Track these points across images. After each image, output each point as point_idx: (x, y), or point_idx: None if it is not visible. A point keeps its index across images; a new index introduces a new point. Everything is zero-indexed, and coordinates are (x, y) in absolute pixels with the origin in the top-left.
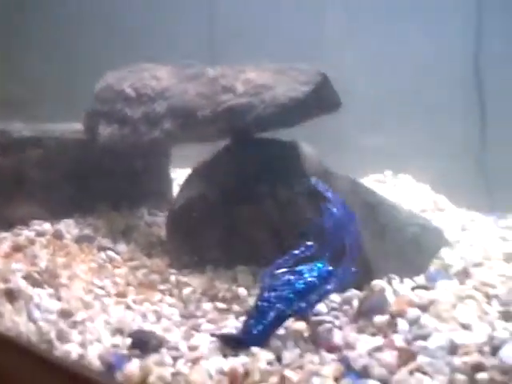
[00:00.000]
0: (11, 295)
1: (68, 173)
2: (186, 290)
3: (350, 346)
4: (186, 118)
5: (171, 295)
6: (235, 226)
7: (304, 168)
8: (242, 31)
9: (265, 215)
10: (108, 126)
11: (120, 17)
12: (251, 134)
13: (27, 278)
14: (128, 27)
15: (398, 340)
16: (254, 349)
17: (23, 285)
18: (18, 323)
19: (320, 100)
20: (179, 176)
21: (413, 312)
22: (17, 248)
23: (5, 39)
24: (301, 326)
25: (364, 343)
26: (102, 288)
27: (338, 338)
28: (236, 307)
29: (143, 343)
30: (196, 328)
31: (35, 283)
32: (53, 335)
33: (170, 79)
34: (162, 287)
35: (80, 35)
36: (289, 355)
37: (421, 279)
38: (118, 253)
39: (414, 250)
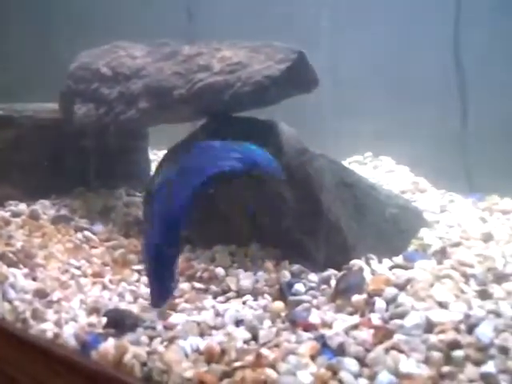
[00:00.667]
0: None
1: (43, 153)
2: None
3: (326, 324)
4: (161, 97)
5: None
6: (212, 205)
7: (281, 146)
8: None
9: (241, 195)
10: (83, 105)
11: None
12: (228, 113)
13: (2, 257)
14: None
15: (375, 318)
16: (230, 328)
17: None
18: None
19: (297, 78)
20: (159, 157)
21: (390, 291)
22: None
23: None
24: (279, 305)
25: (341, 322)
26: (78, 268)
27: (314, 316)
28: (213, 287)
29: (119, 322)
30: (173, 308)
31: (10, 263)
32: (28, 314)
33: (145, 58)
34: (139, 267)
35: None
36: (265, 334)
37: (399, 259)
38: (94, 233)
39: (393, 230)
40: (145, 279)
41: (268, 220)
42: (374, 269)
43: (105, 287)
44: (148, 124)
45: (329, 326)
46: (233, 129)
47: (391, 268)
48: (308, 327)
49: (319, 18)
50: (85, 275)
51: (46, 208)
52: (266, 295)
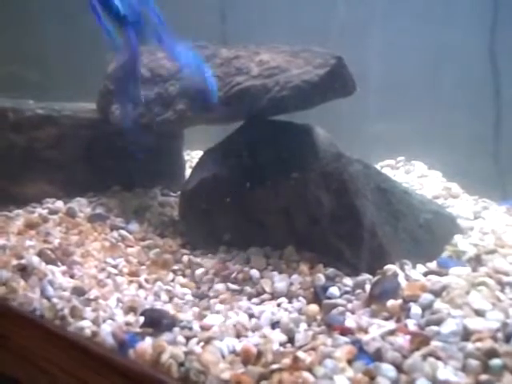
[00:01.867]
0: (24, 271)
1: (81, 152)
2: (199, 271)
3: (362, 329)
4: (198, 100)
5: (184, 275)
6: (248, 207)
7: (317, 151)
8: (253, 23)
9: (277, 197)
10: (121, 105)
11: None
12: (265, 116)
13: (40, 254)
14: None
15: (411, 324)
16: (266, 330)
17: (36, 261)
18: (32, 299)
19: (335, 83)
20: (192, 158)
21: (425, 297)
22: (30, 225)
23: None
24: (314, 308)
25: (377, 327)
26: (114, 267)
27: (350, 321)
28: (248, 289)
29: (156, 322)
30: (209, 308)
31: (48, 260)
32: (66, 312)
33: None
34: (174, 267)
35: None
36: (301, 337)
37: (433, 265)
38: (130, 232)
39: (427, 235)
40: (180, 279)
41: (304, 223)
42: (409, 274)
43: (141, 286)
44: (184, 125)
45: (364, 330)
46: (269, 132)
47: (426, 274)
48: (344, 331)
49: (355, 21)
50: (121, 274)
51: (82, 206)
52: (300, 298)
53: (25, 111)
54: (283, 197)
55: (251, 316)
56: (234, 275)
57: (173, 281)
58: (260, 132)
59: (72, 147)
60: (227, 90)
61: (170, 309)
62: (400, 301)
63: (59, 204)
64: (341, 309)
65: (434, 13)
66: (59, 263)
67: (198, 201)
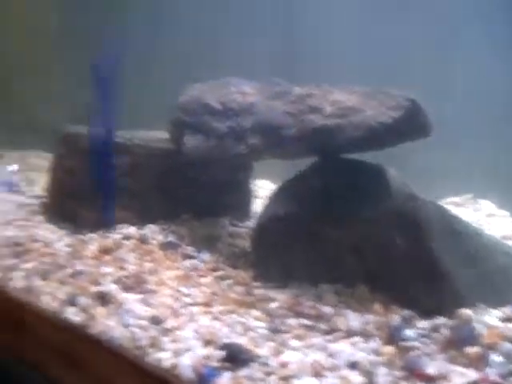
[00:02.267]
0: (103, 299)
1: (153, 180)
2: (272, 305)
3: (443, 376)
4: (271, 135)
5: (256, 308)
6: (319, 244)
7: (390, 190)
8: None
9: (349, 236)
10: (193, 136)
11: (198, 30)
12: (337, 155)
13: (117, 282)
14: (206, 39)
15: (493, 374)
16: (344, 371)
17: (114, 289)
18: (111, 327)
19: (409, 124)
20: (258, 187)
21: (506, 346)
22: (105, 250)
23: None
24: (390, 350)
25: (458, 375)
26: (188, 296)
27: (430, 367)
28: (321, 325)
29: (234, 357)
30: (285, 344)
31: (125, 288)
32: (145, 342)
33: (256, 95)
34: (247, 299)
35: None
36: (382, 381)
37: (509, 310)
38: (202, 261)
39: (503, 279)
40: (253, 311)
41: (376, 263)
42: (485, 320)
43: (215, 317)
44: (255, 159)
45: (444, 377)
46: (342, 170)
47: (503, 320)
48: (425, 378)
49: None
50: (195, 304)
51: (154, 233)
52: (375, 338)
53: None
54: (356, 235)
55: (328, 355)
56: (306, 311)
57: (246, 313)
58: (333, 170)
59: (145, 175)
60: (300, 127)
61: (245, 342)
62: (479, 348)
63: (132, 230)
64: (417, 352)
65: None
66: (135, 291)
67: (270, 235)
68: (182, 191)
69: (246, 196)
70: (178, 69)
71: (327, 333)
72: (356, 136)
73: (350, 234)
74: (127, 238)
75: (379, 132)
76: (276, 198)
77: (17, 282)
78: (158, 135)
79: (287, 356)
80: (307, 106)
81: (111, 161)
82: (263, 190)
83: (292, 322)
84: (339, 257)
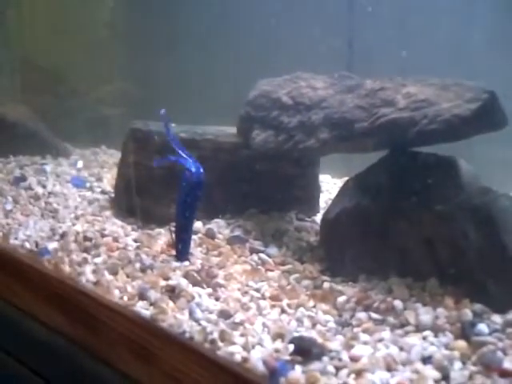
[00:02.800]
0: (173, 293)
1: (220, 174)
2: (341, 298)
3: None
4: (342, 129)
5: (325, 302)
6: (389, 237)
7: (462, 184)
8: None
9: (420, 229)
10: (262, 131)
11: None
12: (409, 148)
13: (187, 276)
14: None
15: None
16: (418, 365)
17: (184, 283)
18: (181, 321)
19: (486, 117)
20: (321, 182)
21: None
22: (171, 245)
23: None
24: (462, 345)
25: None
26: (257, 290)
27: (507, 362)
28: (391, 319)
29: (305, 350)
30: (356, 338)
31: (194, 282)
32: (216, 335)
33: (326, 90)
34: (315, 293)
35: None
36: (457, 376)
37: None
38: (269, 256)
39: None
40: (321, 305)
41: (448, 257)
42: None
43: (283, 311)
44: (325, 153)
45: None
46: (413, 163)
47: None
48: (504, 374)
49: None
50: (263, 298)
51: (220, 227)
52: (447, 333)
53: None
54: (427, 229)
55: (400, 349)
56: (376, 305)
57: (314, 307)
58: (404, 163)
59: (211, 170)
60: (372, 120)
61: (314, 335)
62: None
63: (198, 225)
64: (491, 347)
65: None
66: (204, 285)
67: (339, 229)
68: (249, 185)
69: (312, 190)
70: (246, 65)
71: (397, 327)
72: (431, 129)
73: (422, 227)
74: (194, 232)
75: (455, 125)
76: (345, 191)
77: (88, 276)
78: (228, 130)
79: (358, 350)
80: (380, 100)
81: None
82: (324, 184)
83: (361, 315)
84: (410, 250)
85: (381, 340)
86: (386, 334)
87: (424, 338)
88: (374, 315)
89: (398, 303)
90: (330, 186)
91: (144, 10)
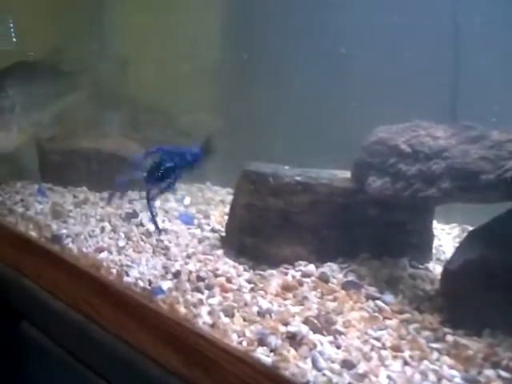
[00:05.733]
0: (293, 340)
1: (333, 218)
2: (466, 353)
3: None
4: (466, 180)
5: (449, 356)
6: None
7: None
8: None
9: None
10: (379, 178)
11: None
12: None
13: (307, 322)
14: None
15: None
16: None
17: (305, 330)
18: (305, 370)
19: None
20: (440, 231)
21: None
22: (286, 288)
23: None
24: None
25: None
26: (377, 339)
27: None
28: None
29: None
30: None
31: (314, 329)
32: None
33: (448, 139)
34: (437, 345)
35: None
36: None
37: None
38: (385, 303)
39: None
40: (445, 359)
41: None
42: None
43: (406, 363)
44: (445, 203)
45: None
46: None
47: None
48: None
49: None
50: (384, 347)
51: (333, 271)
52: None
53: (284, 177)
54: None
55: None
56: (504, 362)
57: (438, 360)
58: None
59: (326, 213)
60: (499, 173)
61: None
62: None
63: (311, 268)
64: None
65: None
66: (324, 332)
67: (462, 280)
68: (361, 230)
69: (426, 237)
70: (350, 108)
71: None
72: None
73: None
74: (307, 275)
75: None
76: (468, 242)
77: (204, 318)
78: (340, 174)
79: None
80: (507, 152)
81: None
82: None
83: (489, 372)
84: None
85: None
86: None
87: None
88: (503, 373)
89: None
90: (437, 232)
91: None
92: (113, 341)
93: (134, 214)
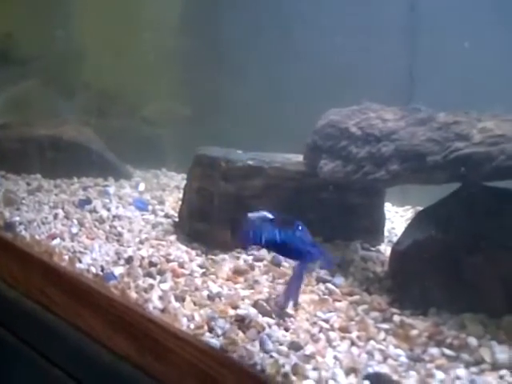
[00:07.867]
0: (242, 323)
1: (285, 202)
2: (412, 332)
3: None
4: (414, 162)
5: (395, 335)
6: (462, 272)
7: None
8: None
9: (495, 266)
10: (330, 161)
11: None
12: (483, 182)
13: (256, 305)
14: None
15: None
16: None
17: (254, 313)
18: (252, 353)
19: None
20: (388, 212)
21: None
22: (237, 272)
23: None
24: None
25: None
26: (325, 321)
27: None
28: (465, 356)
29: None
30: (429, 375)
31: (263, 312)
32: (288, 369)
33: (397, 122)
34: (384, 326)
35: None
36: None
37: None
38: (336, 286)
39: None
40: (391, 339)
41: None
42: None
43: (353, 343)
44: (394, 184)
45: None
46: (488, 199)
47: None
48: None
49: None
50: (332, 329)
51: None
52: None
53: (236, 162)
54: (502, 266)
55: None
56: (449, 340)
57: (384, 340)
58: (478, 198)
59: (277, 197)
60: (445, 154)
61: (386, 370)
62: None
63: (264, 252)
64: None
65: None
66: (273, 315)
67: (410, 261)
68: (314, 214)
69: (378, 220)
70: (310, 93)
71: (472, 364)
72: (507, 165)
73: (496, 263)
74: (259, 259)
75: None
76: (416, 223)
77: (155, 302)
78: (294, 158)
79: None
80: (453, 134)
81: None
82: (386, 213)
83: (433, 351)
84: (483, 286)
85: (456, 378)
86: (461, 371)
87: (501, 378)
88: (447, 351)
89: (472, 340)
90: (391, 215)
91: (212, 37)
92: (65, 328)
93: (88, 201)
